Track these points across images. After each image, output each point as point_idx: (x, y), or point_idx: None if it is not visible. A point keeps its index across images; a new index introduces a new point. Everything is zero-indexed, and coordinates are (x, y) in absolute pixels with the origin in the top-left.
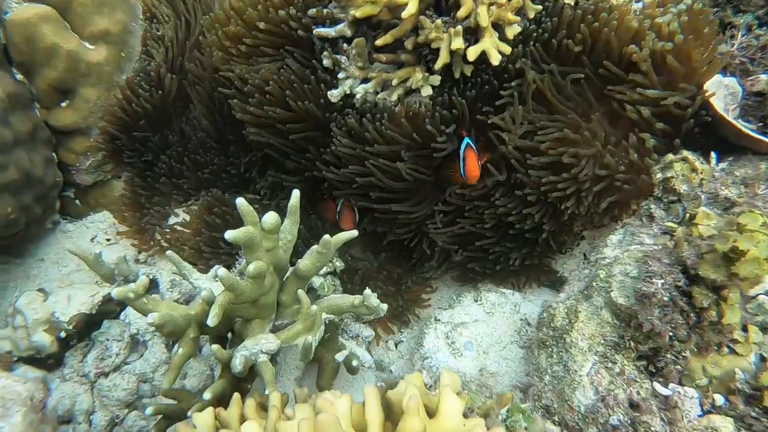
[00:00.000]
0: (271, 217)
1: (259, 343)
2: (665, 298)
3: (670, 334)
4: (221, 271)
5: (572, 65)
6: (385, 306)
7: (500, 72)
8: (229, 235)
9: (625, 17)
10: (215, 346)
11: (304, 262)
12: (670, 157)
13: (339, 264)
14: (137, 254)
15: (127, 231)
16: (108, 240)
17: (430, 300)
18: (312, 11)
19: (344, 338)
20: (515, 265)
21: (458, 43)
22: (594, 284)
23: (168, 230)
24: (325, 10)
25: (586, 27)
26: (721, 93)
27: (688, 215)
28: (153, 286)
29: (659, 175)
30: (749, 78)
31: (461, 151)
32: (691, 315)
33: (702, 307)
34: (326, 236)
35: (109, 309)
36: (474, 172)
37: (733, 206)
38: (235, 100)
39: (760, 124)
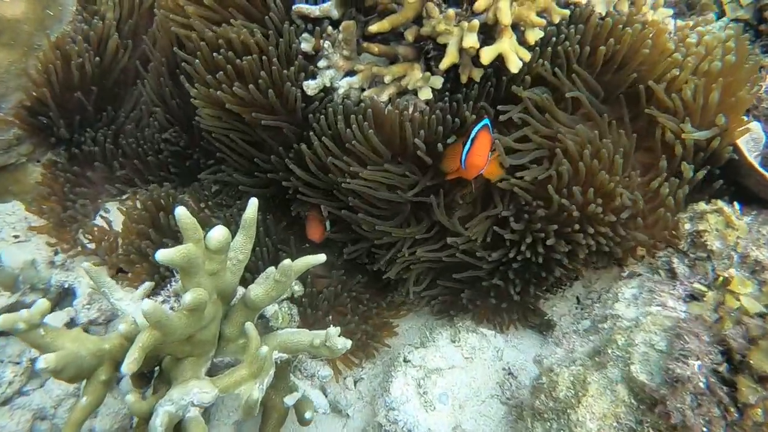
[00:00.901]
0: (218, 234)
1: (190, 393)
2: (701, 384)
3: (704, 429)
4: (146, 304)
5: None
6: (349, 343)
7: (510, 80)
8: (162, 257)
9: (662, 36)
10: (130, 397)
11: (257, 291)
12: (702, 206)
13: (298, 288)
14: (53, 255)
15: (42, 226)
16: (16, 237)
17: (398, 327)
18: None
19: (297, 377)
20: (499, 302)
21: (472, 40)
22: (609, 351)
23: (96, 229)
24: None
25: (617, 40)
26: (745, 138)
27: (720, 278)
28: (66, 296)
29: (688, 226)
30: None
31: (473, 132)
32: (731, 409)
33: (747, 402)
34: (286, 262)
35: None
36: (477, 161)
37: (763, 270)
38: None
39: None
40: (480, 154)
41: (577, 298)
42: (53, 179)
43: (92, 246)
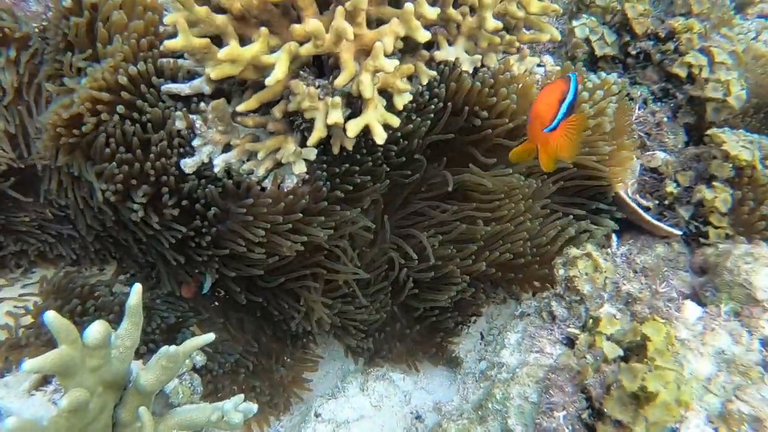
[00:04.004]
0: (96, 331)
1: None
2: None
3: None
4: (11, 422)
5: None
6: (254, 408)
7: (392, 142)
8: (30, 366)
9: (530, 90)
10: None
11: (147, 377)
12: (573, 252)
13: (200, 358)
14: None
15: None
16: None
17: (311, 383)
18: (163, 62)
19: None
20: (409, 343)
21: (336, 116)
22: (489, 405)
23: None
24: (179, 62)
25: (486, 99)
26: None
27: (591, 320)
28: None
29: (562, 272)
30: (647, 153)
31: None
32: None
33: None
34: (171, 348)
35: None
36: (543, 111)
37: (635, 301)
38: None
39: (656, 202)
40: (548, 103)
41: (481, 334)
42: None
43: None
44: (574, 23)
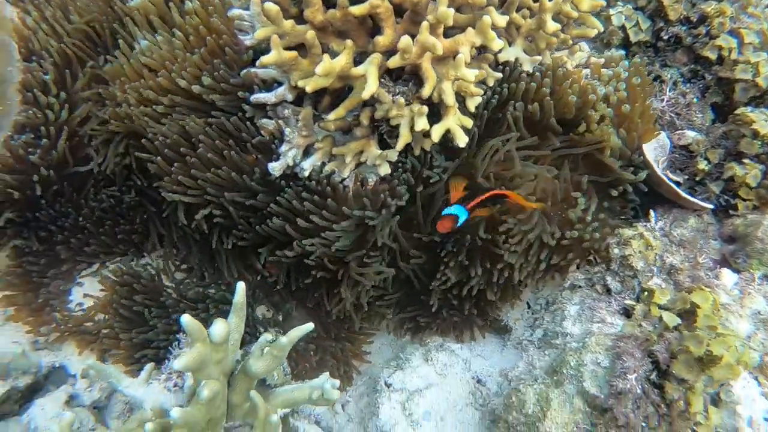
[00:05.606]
0: (220, 329)
1: None
2: (638, 391)
3: (642, 424)
4: (176, 413)
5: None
6: (338, 383)
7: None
8: (180, 364)
9: (581, 82)
10: None
11: (258, 365)
12: (627, 232)
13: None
14: (34, 337)
15: (17, 315)
16: None
17: (370, 354)
18: (240, 75)
19: (294, 418)
20: (460, 317)
21: (422, 124)
22: (564, 371)
23: (77, 312)
24: (253, 70)
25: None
26: (653, 146)
27: (645, 292)
28: (56, 374)
29: (617, 251)
30: (676, 132)
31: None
32: (662, 405)
33: (672, 399)
34: (281, 339)
35: (7, 410)
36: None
37: (678, 272)
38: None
39: (686, 177)
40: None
41: (528, 303)
42: (19, 265)
43: (74, 329)
44: (611, 11)
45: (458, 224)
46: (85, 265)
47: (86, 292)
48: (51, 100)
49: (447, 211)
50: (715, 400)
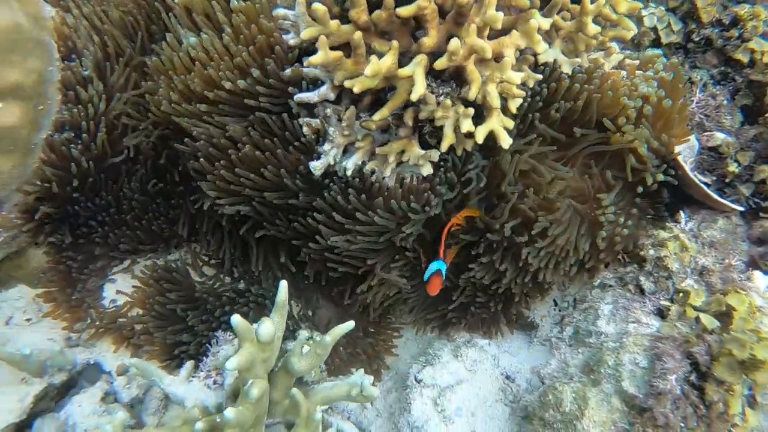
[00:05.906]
0: (267, 328)
1: None
2: (678, 392)
3: (681, 425)
4: (230, 413)
5: (563, 128)
6: (371, 378)
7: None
8: (232, 364)
9: (617, 83)
10: None
11: (301, 364)
12: (662, 234)
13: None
14: (69, 333)
15: (53, 311)
16: (28, 320)
17: (397, 348)
18: (287, 72)
19: (328, 414)
20: (488, 314)
21: (468, 125)
22: (602, 371)
23: (110, 309)
24: (301, 68)
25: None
26: (682, 146)
27: (680, 293)
28: (91, 370)
29: (652, 252)
30: (705, 133)
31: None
32: (701, 407)
33: (712, 401)
34: (325, 338)
35: (44, 407)
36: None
37: (709, 273)
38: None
39: (714, 178)
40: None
41: (555, 300)
42: (57, 262)
43: (109, 325)
44: (643, 12)
45: (444, 277)
46: (118, 261)
47: (118, 288)
48: (91, 92)
49: (430, 271)
50: (751, 403)
